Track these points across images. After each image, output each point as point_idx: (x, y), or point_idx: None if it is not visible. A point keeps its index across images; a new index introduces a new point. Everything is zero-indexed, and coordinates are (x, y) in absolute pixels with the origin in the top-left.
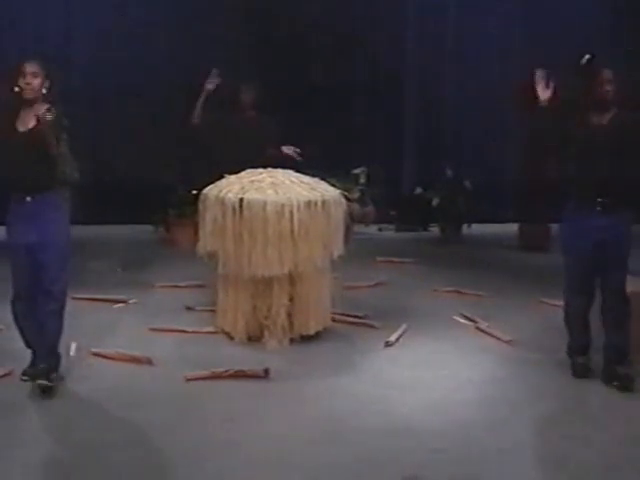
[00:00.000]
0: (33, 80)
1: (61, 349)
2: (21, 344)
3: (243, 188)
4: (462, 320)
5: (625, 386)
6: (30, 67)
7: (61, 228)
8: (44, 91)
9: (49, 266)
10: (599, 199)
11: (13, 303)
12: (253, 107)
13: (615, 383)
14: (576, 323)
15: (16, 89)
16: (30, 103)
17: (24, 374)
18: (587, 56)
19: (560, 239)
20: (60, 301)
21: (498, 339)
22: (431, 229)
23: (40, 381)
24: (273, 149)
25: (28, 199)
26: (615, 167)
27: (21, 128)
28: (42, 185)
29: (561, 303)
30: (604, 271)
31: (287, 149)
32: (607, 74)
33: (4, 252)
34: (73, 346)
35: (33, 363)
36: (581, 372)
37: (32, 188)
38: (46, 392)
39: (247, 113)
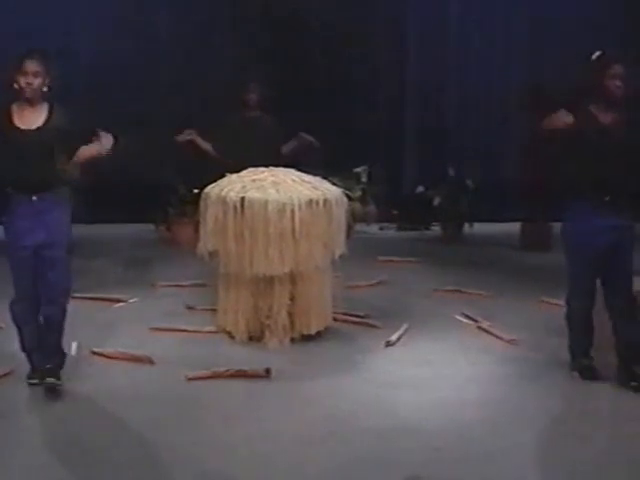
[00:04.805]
0: (34, 80)
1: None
2: None
3: (244, 187)
4: (463, 319)
5: None
6: (32, 66)
7: (66, 226)
8: (44, 89)
9: (57, 264)
10: (606, 198)
11: (13, 305)
12: (258, 107)
13: (633, 383)
14: (581, 324)
15: (15, 86)
16: (30, 101)
17: (30, 377)
18: (598, 52)
19: (565, 239)
20: (65, 298)
21: (500, 338)
22: (433, 228)
23: (49, 379)
24: (282, 148)
25: (34, 198)
26: (622, 166)
27: (23, 126)
28: (47, 183)
29: (563, 302)
30: (612, 271)
31: (307, 136)
32: (619, 69)
33: (3, 252)
34: (74, 345)
35: (34, 366)
36: (588, 374)
37: (38, 187)
38: (53, 392)
39: (252, 113)
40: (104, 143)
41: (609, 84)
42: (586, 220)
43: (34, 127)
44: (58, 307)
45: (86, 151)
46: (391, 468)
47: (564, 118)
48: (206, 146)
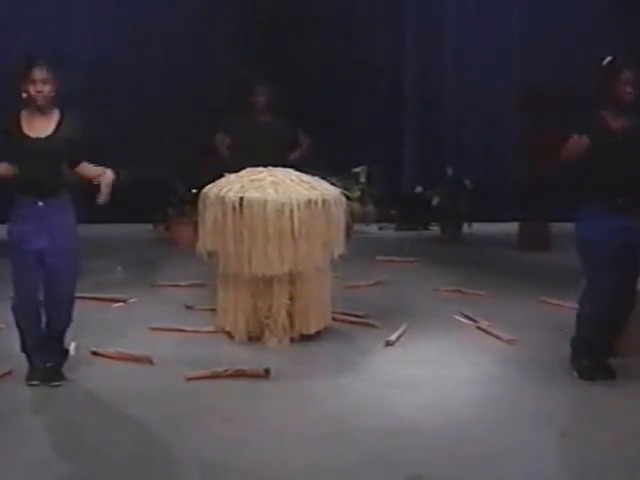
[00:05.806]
0: (44, 87)
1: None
2: None
3: (243, 187)
4: (463, 319)
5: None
6: (40, 73)
7: (72, 233)
8: (52, 94)
9: (60, 272)
10: (618, 200)
11: (14, 307)
12: (268, 109)
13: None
14: (590, 325)
15: (24, 95)
16: (41, 109)
17: (29, 379)
18: (609, 58)
19: (578, 240)
20: (71, 305)
21: (499, 338)
22: (431, 228)
23: (53, 383)
24: (294, 151)
25: (40, 203)
26: (633, 169)
27: (33, 135)
28: (54, 189)
29: (562, 302)
30: (624, 272)
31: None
32: (629, 74)
33: (4, 252)
34: (73, 345)
35: (34, 365)
36: (587, 374)
37: (45, 192)
38: (53, 391)
39: (262, 117)
40: (106, 180)
41: (620, 90)
42: (598, 221)
43: (44, 136)
44: (64, 314)
45: (93, 171)
46: (391, 468)
47: (580, 142)
48: (223, 151)
